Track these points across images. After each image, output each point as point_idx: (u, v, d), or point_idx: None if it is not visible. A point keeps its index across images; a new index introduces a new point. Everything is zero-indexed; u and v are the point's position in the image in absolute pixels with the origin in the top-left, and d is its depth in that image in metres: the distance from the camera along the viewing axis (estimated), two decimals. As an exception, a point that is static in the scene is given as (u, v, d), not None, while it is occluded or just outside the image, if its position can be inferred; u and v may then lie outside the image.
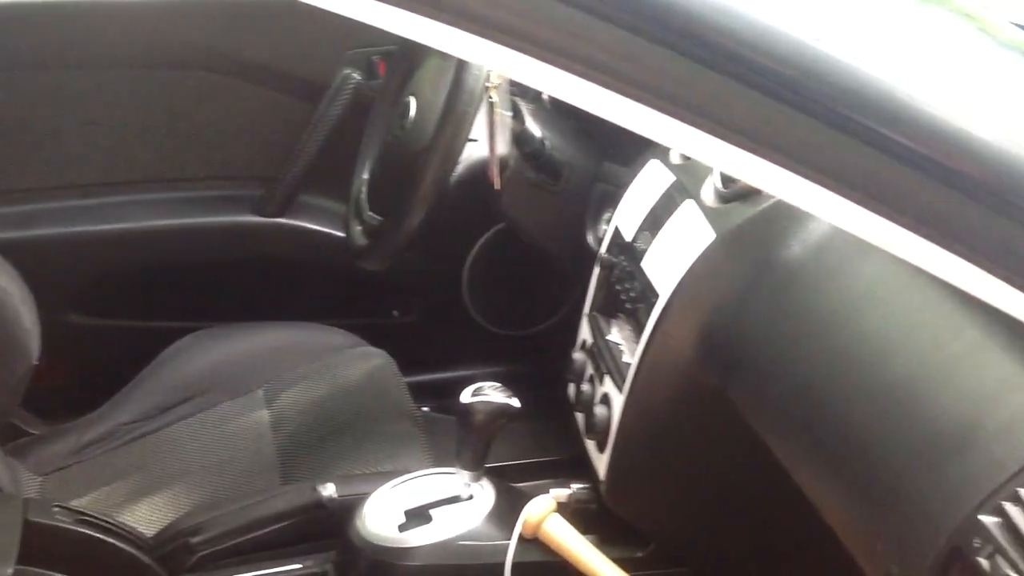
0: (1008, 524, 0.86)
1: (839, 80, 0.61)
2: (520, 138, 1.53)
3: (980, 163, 0.63)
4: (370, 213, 1.56)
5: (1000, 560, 0.85)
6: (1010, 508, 0.87)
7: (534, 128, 1.53)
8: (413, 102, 1.52)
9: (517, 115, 1.56)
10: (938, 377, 0.99)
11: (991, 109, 0.66)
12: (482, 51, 0.61)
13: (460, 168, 1.53)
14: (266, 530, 1.33)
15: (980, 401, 0.95)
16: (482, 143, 1.51)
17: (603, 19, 0.58)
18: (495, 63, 0.61)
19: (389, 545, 1.28)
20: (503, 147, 1.53)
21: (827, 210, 0.66)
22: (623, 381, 1.33)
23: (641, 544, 1.39)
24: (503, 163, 1.52)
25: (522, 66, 0.60)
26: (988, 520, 0.87)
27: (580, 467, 1.45)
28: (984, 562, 0.86)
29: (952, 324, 1.00)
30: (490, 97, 1.25)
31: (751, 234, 1.23)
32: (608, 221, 1.49)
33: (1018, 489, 0.87)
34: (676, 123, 0.63)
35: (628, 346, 1.38)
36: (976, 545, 0.87)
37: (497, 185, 1.23)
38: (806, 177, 0.63)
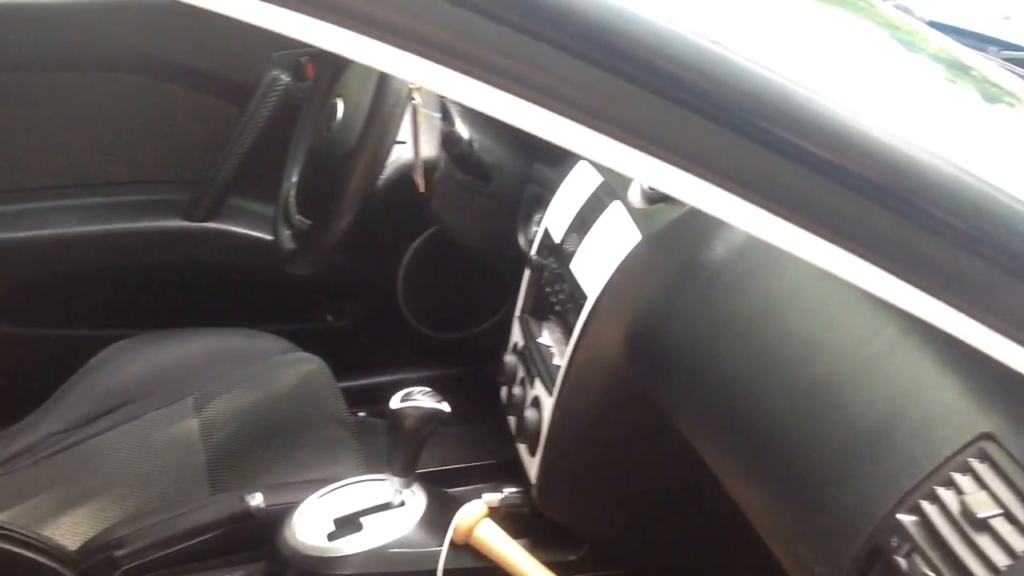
0: (925, 523, 0.87)
1: (737, 83, 0.60)
2: (448, 140, 1.52)
3: (877, 164, 0.63)
4: (299, 217, 1.55)
5: (918, 559, 0.86)
6: (927, 507, 0.87)
7: (462, 130, 1.52)
8: (340, 104, 1.51)
9: (446, 117, 1.55)
10: (857, 377, 0.99)
11: (889, 107, 0.66)
12: (380, 55, 0.60)
13: (390, 170, 1.52)
14: (192, 542, 1.31)
15: (898, 400, 0.95)
16: (411, 145, 1.49)
17: (496, 21, 0.57)
18: (393, 66, 0.60)
19: (318, 555, 1.27)
20: (432, 149, 1.52)
21: (726, 211, 0.66)
22: (553, 384, 1.33)
23: (574, 547, 1.38)
24: (432, 165, 1.51)
25: (417, 69, 0.59)
26: (906, 519, 0.88)
27: (514, 471, 1.44)
28: (902, 561, 0.87)
29: (871, 323, 1.01)
30: (413, 98, 1.24)
31: (676, 235, 1.23)
32: (539, 223, 1.49)
33: (935, 487, 0.88)
34: (580, 128, 0.62)
35: (558, 348, 1.38)
36: (895, 544, 0.88)
37: (422, 188, 1.23)
38: (705, 179, 0.63)
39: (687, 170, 0.62)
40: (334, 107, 1.52)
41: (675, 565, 1.37)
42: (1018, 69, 1.31)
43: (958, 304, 0.67)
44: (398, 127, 1.39)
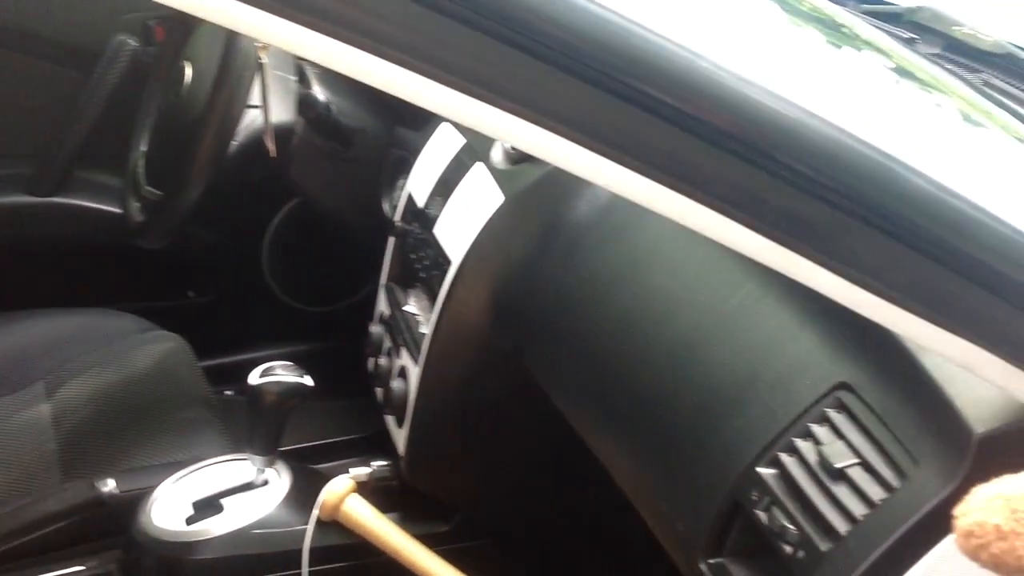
0: (784, 475, 0.87)
1: (592, 34, 0.58)
2: (304, 103, 1.47)
3: (733, 115, 0.61)
4: (148, 188, 1.48)
5: (777, 511, 0.86)
6: (786, 459, 0.87)
7: (319, 93, 1.48)
8: (189, 68, 1.45)
9: (303, 79, 1.50)
10: (718, 333, 0.99)
11: (738, 54, 0.64)
12: (223, 10, 0.56)
13: (244, 136, 1.46)
14: (40, 533, 1.25)
15: (758, 354, 0.95)
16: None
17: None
18: (237, 22, 0.56)
19: (176, 540, 1.23)
20: (288, 114, 1.47)
21: (586, 169, 0.64)
22: (419, 353, 1.30)
23: (446, 518, 1.36)
24: (289, 131, 1.46)
25: (262, 24, 0.55)
26: (765, 472, 0.88)
27: (383, 445, 1.41)
28: (762, 515, 0.87)
29: (731, 279, 1.01)
30: (260, 58, 1.18)
31: (539, 195, 1.22)
32: (402, 188, 1.45)
33: (794, 439, 0.88)
34: (433, 84, 0.60)
35: (424, 316, 1.35)
36: (754, 498, 0.88)
37: (273, 152, 1.18)
38: (563, 135, 0.61)
39: (545, 127, 0.60)
40: (182, 71, 1.45)
41: (547, 531, 1.36)
42: (877, 22, 1.32)
43: (808, 252, 0.66)
44: (248, 90, 1.33)
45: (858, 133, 0.62)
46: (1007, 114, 1.03)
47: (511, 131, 0.61)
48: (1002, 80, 1.24)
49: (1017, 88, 1.22)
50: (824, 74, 0.73)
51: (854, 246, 0.64)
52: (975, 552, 0.47)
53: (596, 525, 1.32)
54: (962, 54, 1.32)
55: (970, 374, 0.71)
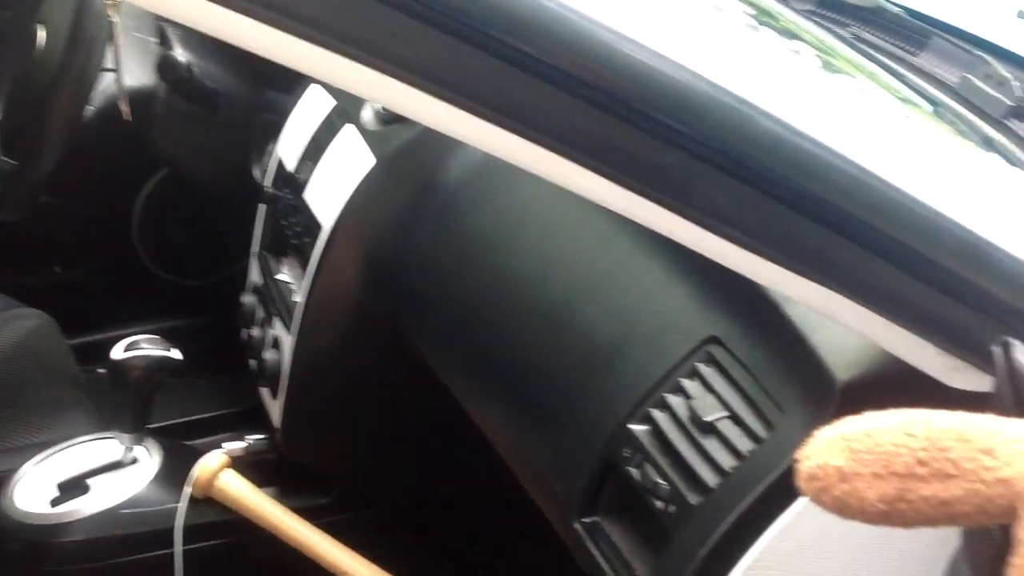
0: (656, 431, 0.87)
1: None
2: (163, 65, 1.41)
3: (579, 57, 0.59)
4: (3, 157, 1.41)
5: (649, 468, 0.86)
6: (657, 415, 0.87)
7: (180, 54, 1.42)
8: (42, 31, 1.38)
9: (164, 41, 1.44)
10: (591, 292, 0.99)
11: (602, 3, 0.63)
12: None
13: (104, 101, 1.40)
14: None
15: (630, 311, 0.95)
16: (128, 74, 1.38)
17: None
18: None
19: (41, 523, 1.19)
20: (149, 77, 1.41)
21: (457, 128, 0.62)
22: (292, 322, 1.27)
23: (325, 490, 1.34)
24: (150, 94, 1.40)
25: None
26: (637, 429, 0.88)
27: (259, 418, 1.38)
28: (635, 471, 0.87)
29: (604, 238, 1.00)
30: (111, 17, 1.13)
31: (411, 157, 1.19)
32: (272, 153, 1.41)
33: (665, 395, 0.88)
34: (294, 40, 0.57)
35: (297, 284, 1.32)
36: (627, 455, 0.88)
37: (127, 116, 1.13)
38: (431, 93, 0.59)
39: (413, 84, 0.58)
40: (35, 35, 1.38)
41: (428, 500, 1.35)
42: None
43: (664, 200, 0.65)
44: (103, 52, 1.28)
45: (711, 77, 0.62)
46: (875, 65, 1.04)
47: (366, 86, 0.60)
48: (872, 34, 1.26)
49: (885, 41, 1.24)
50: (678, 17, 0.72)
51: (709, 193, 0.63)
52: (818, 495, 0.46)
53: (474, 494, 1.31)
54: (834, 9, 1.33)
55: (833, 322, 0.71)
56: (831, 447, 0.46)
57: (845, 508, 0.46)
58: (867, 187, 0.61)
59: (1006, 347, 0.49)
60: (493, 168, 1.13)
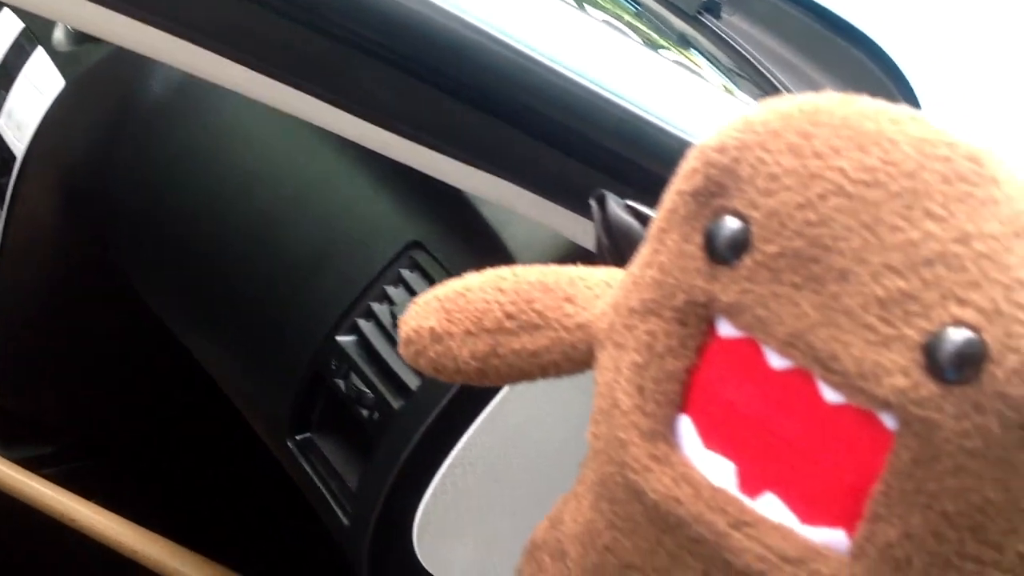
0: (363, 341, 0.87)
1: None
2: None
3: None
4: None
5: (355, 378, 0.85)
6: (363, 324, 0.87)
7: None
8: None
9: None
10: (295, 203, 0.97)
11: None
12: None
13: None
14: None
15: (334, 221, 0.94)
16: None
17: None
18: None
19: None
20: None
21: (149, 46, 0.58)
22: (-6, 262, 1.19)
23: (51, 439, 1.27)
24: None
25: None
26: (344, 340, 0.87)
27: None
28: (341, 383, 0.86)
29: (309, 149, 0.98)
30: None
31: (106, 76, 1.13)
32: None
33: (371, 303, 0.87)
34: None
35: (1, 223, 1.24)
36: (334, 367, 0.87)
37: None
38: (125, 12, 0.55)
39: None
40: None
41: (157, 444, 1.30)
42: None
43: (324, 95, 0.64)
44: None
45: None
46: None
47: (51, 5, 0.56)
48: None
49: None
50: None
51: (365, 83, 0.62)
52: (415, 359, 0.47)
53: (196, 428, 1.27)
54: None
55: (526, 217, 0.72)
56: (426, 309, 0.46)
57: (442, 369, 0.46)
58: (524, 69, 0.62)
59: (600, 200, 0.51)
60: (194, 85, 1.09)
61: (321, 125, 0.68)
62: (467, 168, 0.68)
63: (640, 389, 0.39)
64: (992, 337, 0.33)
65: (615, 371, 0.41)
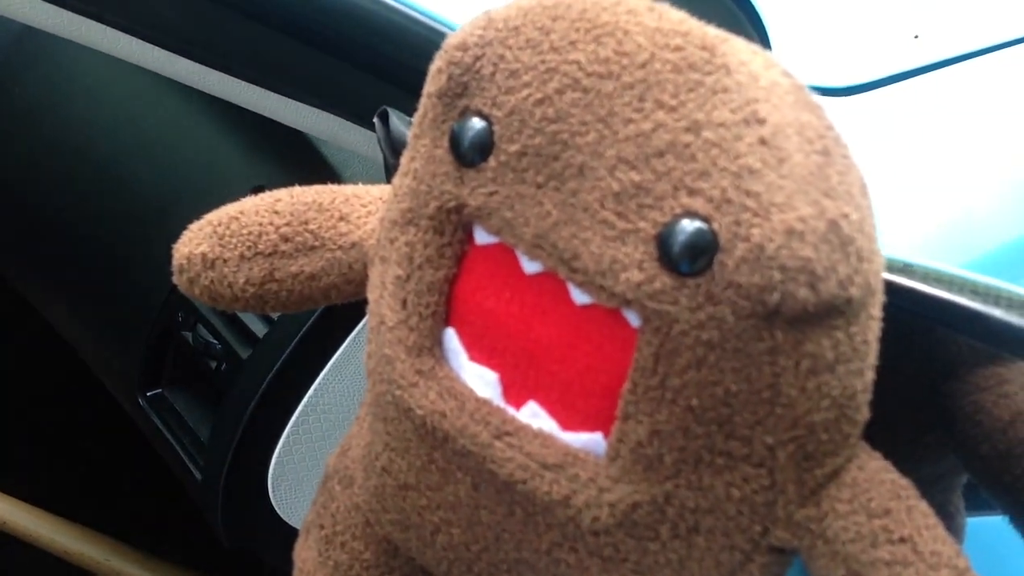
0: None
1: None
2: None
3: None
4: None
5: (202, 329, 0.84)
6: (210, 274, 0.85)
7: None
8: None
9: None
10: (139, 153, 0.95)
11: None
12: None
13: None
14: None
15: (181, 169, 0.92)
16: None
17: None
18: None
19: None
20: None
21: None
22: None
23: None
24: None
25: None
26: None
27: None
28: (188, 335, 0.84)
29: (151, 98, 0.96)
30: None
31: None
32: None
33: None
34: None
35: None
36: (181, 319, 0.85)
37: None
38: None
39: None
40: None
41: (22, 415, 1.27)
42: None
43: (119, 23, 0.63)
44: None
45: None
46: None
47: None
48: None
49: None
50: None
51: (165, 14, 0.61)
52: (189, 287, 0.46)
53: (60, 397, 1.25)
54: None
55: (366, 157, 0.71)
56: (198, 235, 0.45)
57: (218, 297, 0.45)
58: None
59: (383, 116, 0.50)
60: (33, 36, 1.05)
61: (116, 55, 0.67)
62: (290, 102, 0.67)
63: (403, 303, 0.39)
64: (722, 226, 0.32)
65: (381, 287, 0.40)
